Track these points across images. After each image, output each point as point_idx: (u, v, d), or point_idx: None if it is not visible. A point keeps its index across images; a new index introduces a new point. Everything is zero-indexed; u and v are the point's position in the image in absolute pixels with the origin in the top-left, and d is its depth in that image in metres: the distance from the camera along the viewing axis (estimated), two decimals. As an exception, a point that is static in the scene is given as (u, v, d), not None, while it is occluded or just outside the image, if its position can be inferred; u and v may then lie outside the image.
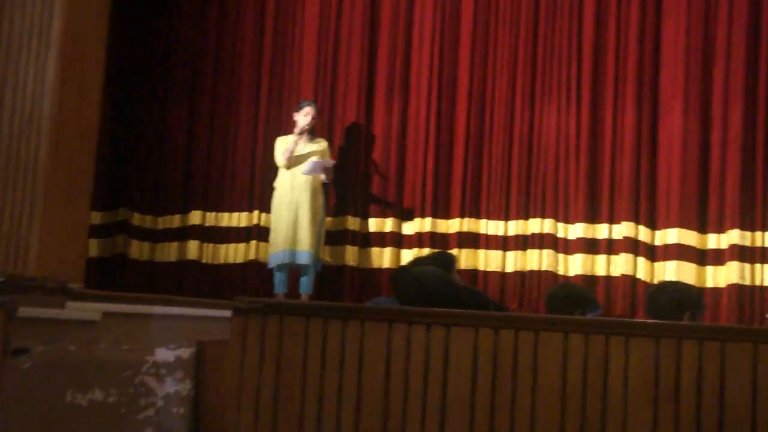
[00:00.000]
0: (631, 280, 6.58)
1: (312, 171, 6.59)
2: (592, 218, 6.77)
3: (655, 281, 6.54)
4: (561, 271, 6.76)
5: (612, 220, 6.73)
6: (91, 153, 6.75)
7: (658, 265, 6.60)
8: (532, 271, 6.77)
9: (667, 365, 2.70)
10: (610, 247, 6.71)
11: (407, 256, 7.02)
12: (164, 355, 4.54)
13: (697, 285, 6.29)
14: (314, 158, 6.62)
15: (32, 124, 6.10)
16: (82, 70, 6.35)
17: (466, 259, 6.90)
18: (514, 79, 7.04)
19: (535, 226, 6.83)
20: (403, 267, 3.37)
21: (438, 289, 3.10)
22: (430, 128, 7.13)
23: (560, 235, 6.81)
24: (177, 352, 4.67)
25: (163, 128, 7.64)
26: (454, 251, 6.87)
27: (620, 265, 6.62)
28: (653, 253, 6.63)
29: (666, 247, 6.59)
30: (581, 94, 6.90)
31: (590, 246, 6.74)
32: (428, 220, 7.03)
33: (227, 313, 3.00)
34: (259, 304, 2.95)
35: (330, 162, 6.72)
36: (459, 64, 7.17)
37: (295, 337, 2.89)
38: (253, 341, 2.92)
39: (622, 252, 6.63)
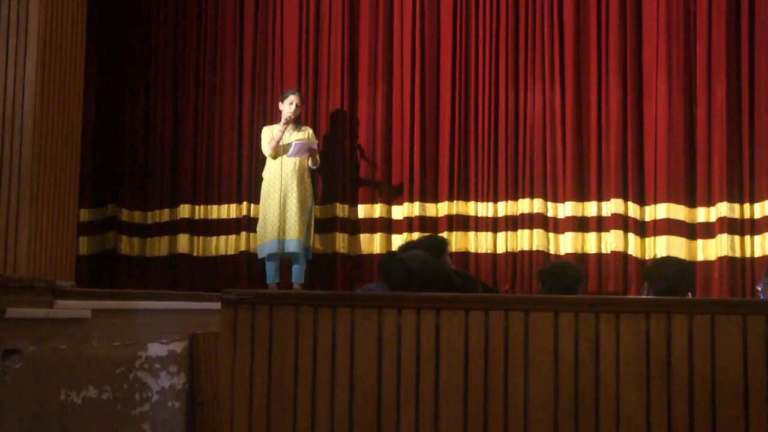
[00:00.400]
0: (622, 257, 6.60)
1: (297, 153, 6.58)
2: (581, 196, 6.77)
3: (647, 257, 6.55)
4: (552, 251, 6.77)
5: (601, 197, 6.73)
6: (75, 151, 6.73)
7: (648, 240, 6.61)
8: (523, 252, 6.78)
9: (657, 341, 2.70)
10: (600, 224, 6.71)
11: (397, 241, 7.03)
12: (157, 349, 4.53)
13: (688, 259, 6.30)
14: (298, 140, 6.60)
15: (14, 125, 6.07)
16: (62, 68, 6.30)
17: (456, 241, 6.90)
18: (497, 58, 7.02)
19: (525, 206, 6.84)
20: (391, 252, 3.37)
21: (426, 273, 3.10)
22: (415, 112, 7.12)
23: (550, 214, 6.81)
24: (170, 346, 4.66)
25: (148, 122, 7.61)
26: (444, 234, 6.88)
27: (611, 242, 6.63)
28: (643, 229, 6.64)
29: (655, 222, 6.60)
30: (565, 71, 6.89)
31: (580, 224, 6.75)
32: (417, 204, 7.02)
33: (218, 306, 2.99)
34: (249, 295, 2.94)
35: (314, 143, 6.70)
36: (441, 45, 7.15)
37: (286, 327, 2.88)
38: (243, 333, 2.91)
39: (612, 229, 6.64)
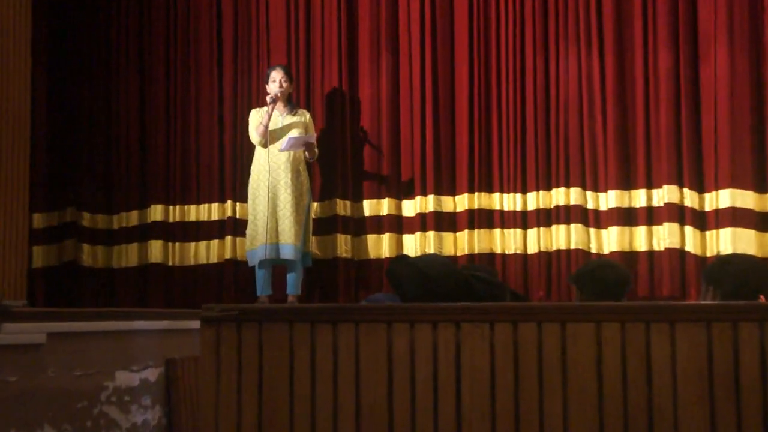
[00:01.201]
0: (678, 255, 6.58)
1: (290, 147, 6.59)
2: (627, 184, 6.76)
3: (708, 254, 6.53)
4: (594, 249, 6.76)
5: (650, 184, 6.73)
6: (24, 146, 6.75)
7: (710, 234, 6.60)
8: (559, 251, 6.77)
9: (722, 354, 2.68)
10: (651, 216, 6.71)
11: (409, 242, 7.03)
12: (127, 378, 4.54)
13: (759, 255, 6.28)
14: (293, 133, 6.62)
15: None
16: (3, 48, 6.31)
17: (479, 241, 6.90)
18: (522, 21, 7.02)
19: (560, 197, 6.83)
20: (401, 256, 3.36)
21: (443, 279, 3.09)
22: (426, 88, 7.11)
23: (590, 206, 6.80)
24: (142, 374, 4.67)
25: (111, 109, 7.65)
26: (465, 233, 6.87)
27: (664, 237, 6.62)
28: (703, 221, 6.63)
29: (718, 212, 6.58)
30: (604, 35, 6.87)
31: (627, 217, 6.74)
32: (431, 198, 7.03)
33: (198, 325, 2.99)
34: (233, 310, 2.93)
35: (312, 137, 6.72)
36: (455, 8, 7.15)
37: (278, 348, 2.88)
38: (228, 355, 2.91)
39: (665, 221, 6.63)
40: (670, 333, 2.71)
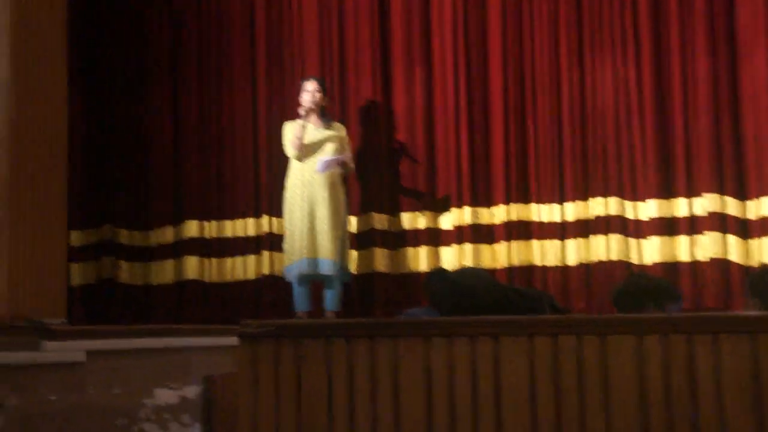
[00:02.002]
0: (722, 265, 6.52)
1: (326, 169, 6.60)
2: (667, 192, 6.72)
3: (752, 263, 6.47)
4: (634, 260, 6.71)
5: (691, 192, 6.68)
6: (61, 162, 6.79)
7: (753, 243, 6.54)
8: (599, 262, 6.74)
9: None
10: (693, 225, 6.66)
11: (447, 255, 7.02)
12: (166, 396, 4.54)
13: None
14: (327, 151, 6.63)
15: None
16: (41, 66, 6.38)
17: (517, 253, 6.89)
18: (556, 30, 7.00)
19: (598, 207, 6.79)
20: (438, 269, 3.36)
21: (480, 292, 3.08)
22: (460, 99, 7.12)
23: (629, 215, 6.76)
24: (181, 392, 4.67)
25: (145, 125, 7.68)
26: (503, 244, 6.85)
27: (707, 246, 6.57)
28: (746, 229, 6.57)
29: (763, 220, 6.52)
30: (640, 40, 6.85)
31: (668, 226, 6.70)
32: (467, 210, 7.01)
33: (236, 341, 3.00)
34: (270, 326, 2.95)
35: (346, 156, 6.73)
36: (488, 18, 7.15)
37: (316, 364, 2.89)
38: (266, 372, 2.92)
39: (707, 230, 6.58)
40: (714, 345, 2.69)
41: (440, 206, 7.15)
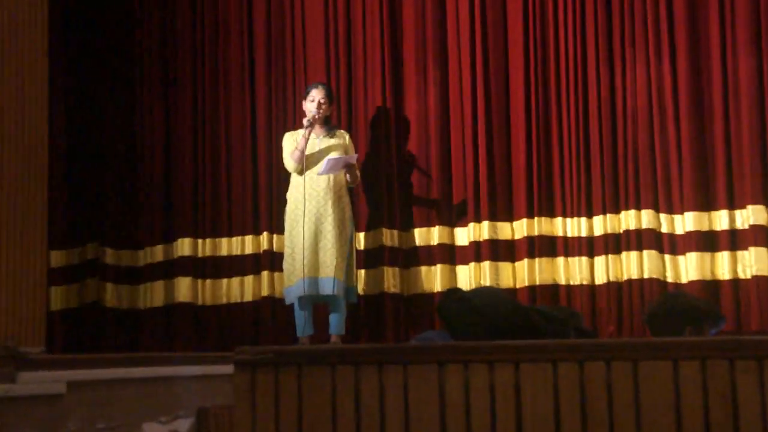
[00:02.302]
0: (767, 283, 6.50)
1: (330, 170, 6.59)
2: (706, 204, 6.73)
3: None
4: (670, 278, 6.71)
5: (733, 204, 6.68)
6: (41, 176, 6.80)
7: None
8: (630, 281, 6.73)
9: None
10: (735, 240, 6.66)
11: (463, 274, 7.02)
12: (155, 430, 4.55)
13: None
14: (333, 155, 6.63)
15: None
16: (19, 67, 6.40)
17: (541, 271, 6.89)
18: (584, 27, 7.02)
19: (630, 220, 6.79)
20: (453, 290, 3.35)
21: (499, 314, 3.08)
22: (477, 104, 7.13)
23: (664, 229, 6.76)
24: (172, 426, 4.68)
25: (134, 134, 7.72)
26: (524, 262, 6.84)
27: (750, 263, 6.56)
28: (794, 244, 6.57)
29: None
30: (676, 38, 6.86)
31: (707, 241, 6.70)
32: (486, 224, 7.02)
33: (231, 369, 3.00)
34: (269, 353, 2.94)
35: (353, 157, 6.73)
36: (509, 15, 7.18)
37: (320, 393, 2.89)
38: (264, 402, 2.92)
39: (751, 246, 6.58)
40: (758, 371, 2.68)
41: (457, 215, 7.15)
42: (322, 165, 6.59)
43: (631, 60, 6.92)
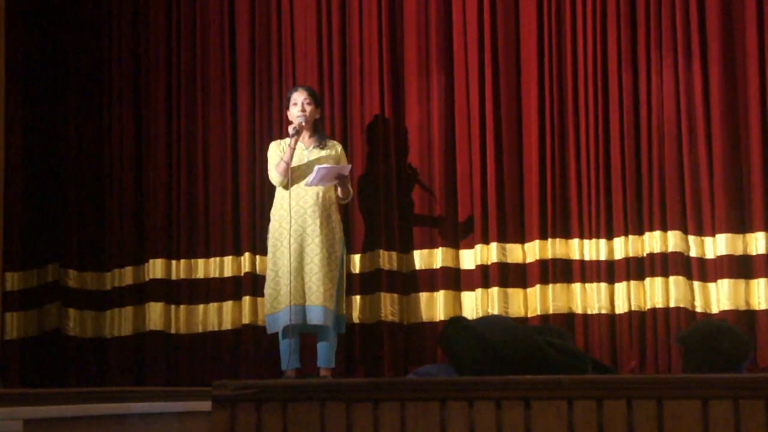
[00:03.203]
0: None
1: (320, 181, 6.59)
2: (741, 226, 6.75)
3: None
4: (699, 307, 6.72)
5: (771, 225, 6.69)
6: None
7: None
8: (655, 310, 6.74)
9: None
10: (772, 265, 6.66)
11: (469, 301, 7.03)
12: (122, 474, 4.55)
13: None
14: (324, 164, 6.62)
15: None
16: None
17: (554, 299, 6.90)
18: (604, 28, 7.05)
19: (655, 242, 6.81)
20: (456, 319, 3.35)
21: (508, 346, 3.08)
22: (486, 113, 7.15)
23: (693, 253, 6.78)
24: (141, 469, 4.68)
25: (101, 143, 7.70)
26: (536, 289, 6.85)
27: (792, 291, 6.59)
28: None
29: None
30: (707, 42, 6.89)
31: (741, 266, 6.72)
32: (494, 246, 7.03)
33: (209, 405, 3.00)
34: (251, 388, 2.95)
35: (346, 168, 6.72)
36: (521, 14, 7.20)
37: (307, 433, 2.89)
38: (245, 444, 2.92)
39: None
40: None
41: (461, 233, 7.15)
42: (311, 176, 6.58)
43: (657, 64, 6.93)
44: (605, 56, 7.04)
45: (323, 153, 6.79)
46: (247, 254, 7.40)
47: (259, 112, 7.55)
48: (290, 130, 6.73)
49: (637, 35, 7.01)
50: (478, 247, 7.09)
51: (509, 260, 7.05)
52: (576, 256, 6.97)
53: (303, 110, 6.74)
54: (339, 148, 6.93)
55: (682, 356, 4.13)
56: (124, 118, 7.71)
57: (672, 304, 6.72)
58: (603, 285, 6.88)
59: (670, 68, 6.91)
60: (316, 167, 6.59)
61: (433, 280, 7.18)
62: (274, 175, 6.74)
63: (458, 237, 7.19)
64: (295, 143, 6.69)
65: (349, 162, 6.98)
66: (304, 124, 6.72)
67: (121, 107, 7.73)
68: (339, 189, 6.73)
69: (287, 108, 6.86)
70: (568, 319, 6.88)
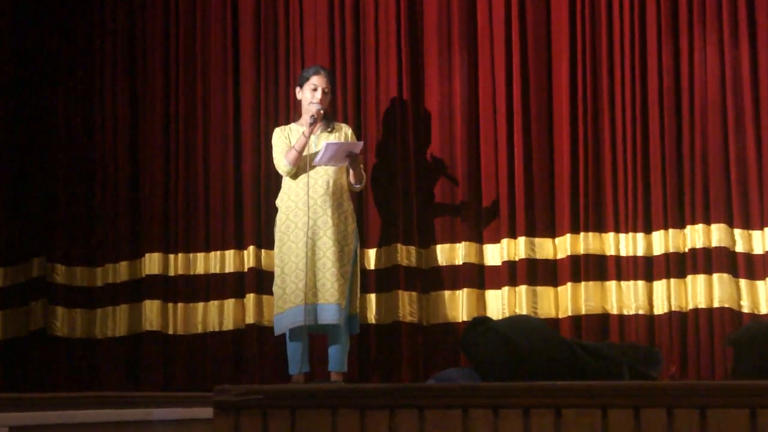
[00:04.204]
0: None
1: (329, 159, 6.57)
2: (792, 217, 6.74)
3: None
4: (746, 307, 6.72)
5: (824, 219, 6.70)
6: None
7: None
8: (697, 311, 6.74)
9: None
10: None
11: (494, 300, 7.05)
12: (115, 486, 4.57)
13: None
14: (329, 141, 6.57)
15: None
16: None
17: (587, 298, 6.90)
18: (642, 2, 7.01)
19: (697, 237, 6.81)
20: (480, 320, 3.34)
21: (537, 349, 3.09)
22: (513, 97, 7.17)
23: (739, 248, 6.78)
24: (136, 481, 4.70)
25: (93, 132, 7.73)
26: (567, 287, 6.86)
27: None
28: None
29: None
30: (756, 17, 6.87)
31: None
32: (522, 240, 7.04)
33: (209, 412, 3.02)
34: (256, 394, 2.97)
35: (358, 144, 6.67)
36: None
37: (318, 443, 2.91)
38: (250, 454, 2.94)
39: None
40: None
41: (486, 227, 7.17)
42: (321, 152, 6.54)
43: (700, 41, 6.92)
44: (643, 33, 7.03)
45: (332, 137, 6.77)
46: (251, 248, 7.40)
47: (264, 91, 7.55)
48: (308, 118, 6.66)
49: (679, 9, 6.99)
50: (505, 241, 7.10)
51: (538, 256, 7.05)
52: (611, 252, 6.97)
53: (322, 98, 6.72)
54: (348, 130, 6.91)
55: (732, 360, 4.13)
56: (119, 101, 7.73)
57: (716, 304, 6.72)
58: (640, 283, 6.88)
59: (715, 46, 6.90)
60: (325, 143, 6.54)
61: (455, 277, 7.19)
62: (283, 163, 6.71)
63: (482, 230, 7.20)
64: (311, 132, 6.66)
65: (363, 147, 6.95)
66: (322, 112, 6.71)
67: (115, 89, 7.75)
68: (351, 173, 6.71)
69: (300, 86, 6.83)
70: (602, 320, 6.89)
